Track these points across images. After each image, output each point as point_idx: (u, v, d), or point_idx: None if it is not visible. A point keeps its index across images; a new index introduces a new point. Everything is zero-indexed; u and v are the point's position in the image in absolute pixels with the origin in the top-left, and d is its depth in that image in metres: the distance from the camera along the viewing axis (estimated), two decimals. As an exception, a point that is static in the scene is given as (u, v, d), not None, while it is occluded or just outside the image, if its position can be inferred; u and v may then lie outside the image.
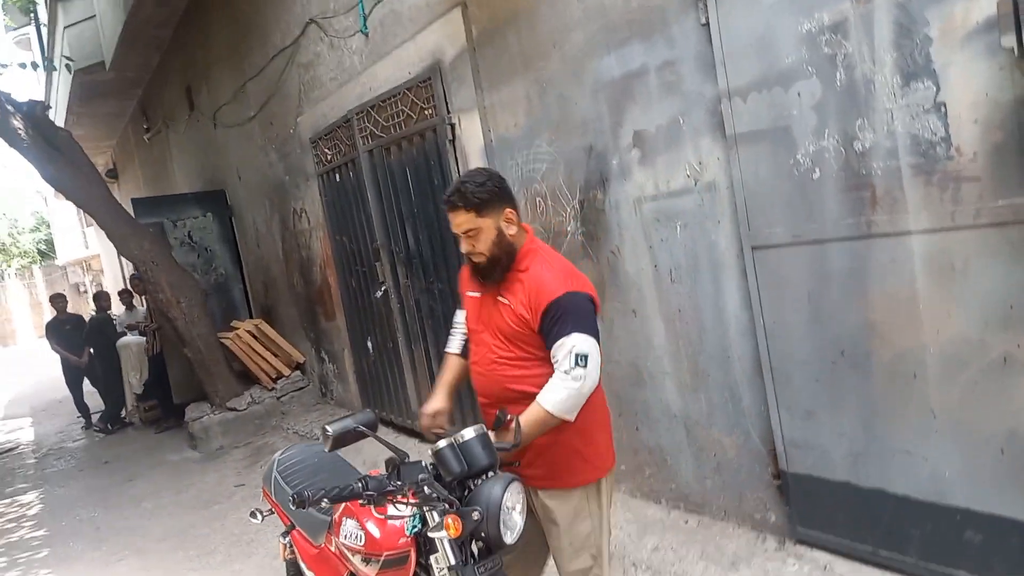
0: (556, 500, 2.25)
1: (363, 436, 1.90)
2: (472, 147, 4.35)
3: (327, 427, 1.89)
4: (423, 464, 1.91)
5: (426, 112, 4.64)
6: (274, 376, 7.59)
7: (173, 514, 5.51)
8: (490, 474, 1.93)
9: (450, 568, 1.84)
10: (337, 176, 5.91)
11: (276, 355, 7.67)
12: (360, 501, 1.84)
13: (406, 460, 1.89)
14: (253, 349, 7.56)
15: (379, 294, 5.53)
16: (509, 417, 2.04)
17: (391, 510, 1.89)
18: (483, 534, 1.84)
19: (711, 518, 3.36)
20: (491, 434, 2.04)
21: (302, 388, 7.65)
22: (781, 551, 2.98)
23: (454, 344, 2.50)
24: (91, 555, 4.96)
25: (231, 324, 8.16)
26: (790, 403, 2.86)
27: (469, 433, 1.94)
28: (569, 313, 2.13)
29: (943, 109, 2.20)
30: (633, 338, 3.55)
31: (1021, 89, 2.01)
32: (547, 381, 2.13)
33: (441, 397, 2.40)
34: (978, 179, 2.16)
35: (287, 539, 2.76)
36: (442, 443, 1.90)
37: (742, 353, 3.04)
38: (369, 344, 6.02)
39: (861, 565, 2.72)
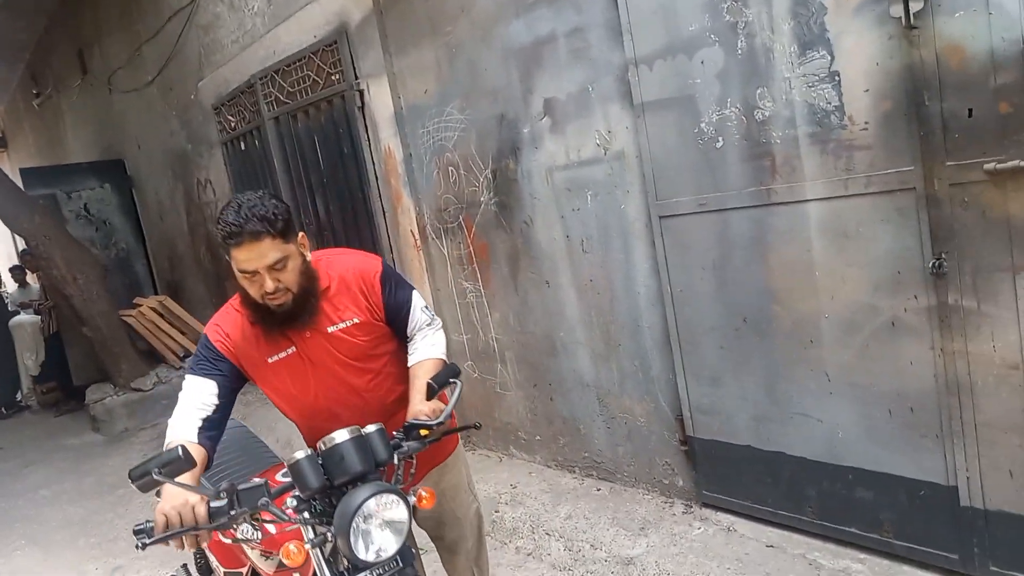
0: (447, 470, 2.22)
1: (160, 484, 1.51)
2: (382, 114, 4.21)
3: (130, 472, 1.53)
4: (265, 484, 1.63)
5: (333, 77, 4.46)
6: (182, 355, 7.26)
7: (74, 501, 5.23)
8: (368, 479, 1.65)
9: None
10: (242, 144, 5.64)
11: (183, 332, 7.34)
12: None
13: (237, 489, 1.61)
14: (158, 327, 7.22)
15: (289, 267, 5.34)
16: (452, 381, 1.88)
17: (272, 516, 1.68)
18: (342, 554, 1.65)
19: (622, 485, 3.41)
20: (416, 408, 1.83)
21: (212, 366, 7.37)
22: (688, 514, 3.05)
23: (190, 428, 1.83)
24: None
25: (134, 301, 7.77)
26: (697, 370, 2.91)
27: (338, 436, 1.63)
28: (396, 276, 2.07)
29: (837, 78, 2.23)
30: (547, 309, 3.54)
31: (908, 58, 2.06)
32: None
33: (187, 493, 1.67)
34: (869, 147, 2.21)
35: None
36: (299, 454, 1.63)
37: (651, 322, 3.07)
38: (281, 319, 5.84)
39: (762, 525, 2.81)
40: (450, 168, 3.89)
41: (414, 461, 1.80)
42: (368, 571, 1.61)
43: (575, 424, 3.58)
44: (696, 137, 2.66)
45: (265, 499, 1.61)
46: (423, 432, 1.77)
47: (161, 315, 7.33)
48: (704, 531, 2.91)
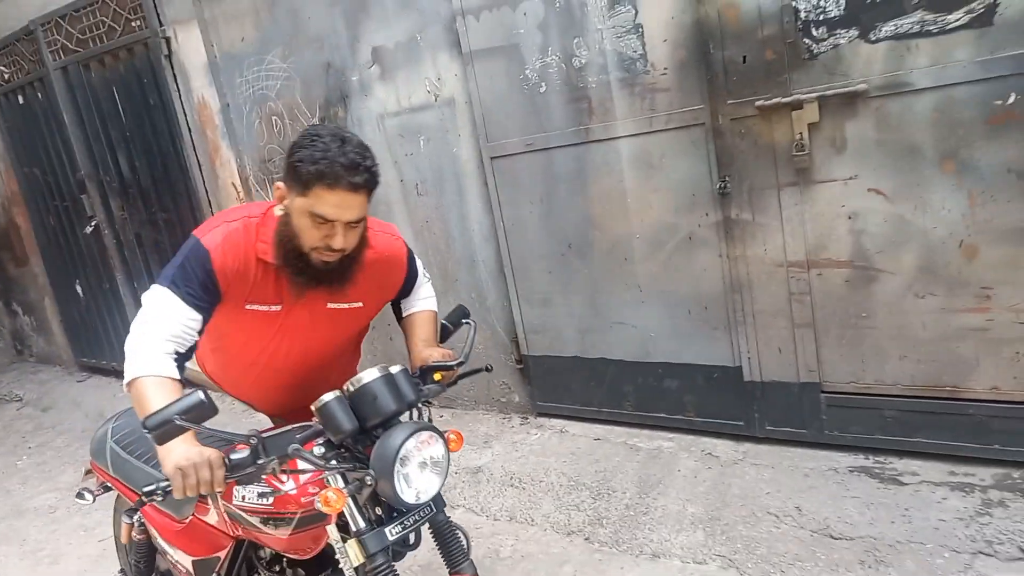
0: None
1: (184, 430, 1.38)
2: (193, 63, 4.08)
3: (145, 420, 1.39)
4: (293, 431, 1.54)
5: (133, 24, 4.24)
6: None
7: None
8: (399, 420, 1.55)
9: (357, 534, 1.52)
10: (20, 97, 5.13)
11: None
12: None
13: (262, 435, 1.48)
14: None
15: (89, 230, 4.98)
16: (465, 321, 1.86)
17: (302, 464, 1.55)
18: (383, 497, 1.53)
19: (463, 409, 3.71)
20: (433, 355, 1.77)
21: (-10, 348, 6.64)
22: (525, 424, 3.42)
23: (167, 363, 1.58)
24: None
25: None
26: (528, 295, 3.26)
27: (367, 376, 1.54)
28: (411, 253, 1.98)
29: (641, 30, 2.63)
30: (382, 251, 3.71)
31: (697, 14, 2.49)
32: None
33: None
34: (668, 90, 2.64)
35: (133, 518, 2.23)
36: (327, 396, 1.52)
37: (486, 256, 3.36)
38: (78, 287, 5.43)
39: (590, 424, 3.25)
40: (274, 117, 3.89)
41: (431, 405, 1.73)
42: (404, 517, 1.54)
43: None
44: (522, 83, 2.96)
45: (295, 445, 1.45)
46: (437, 376, 1.71)
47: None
48: (540, 436, 3.30)
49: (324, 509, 1.43)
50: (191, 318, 1.60)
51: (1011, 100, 2.10)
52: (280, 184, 1.62)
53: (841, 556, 2.25)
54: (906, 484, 2.40)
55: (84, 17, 4.42)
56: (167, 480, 1.44)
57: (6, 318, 6.59)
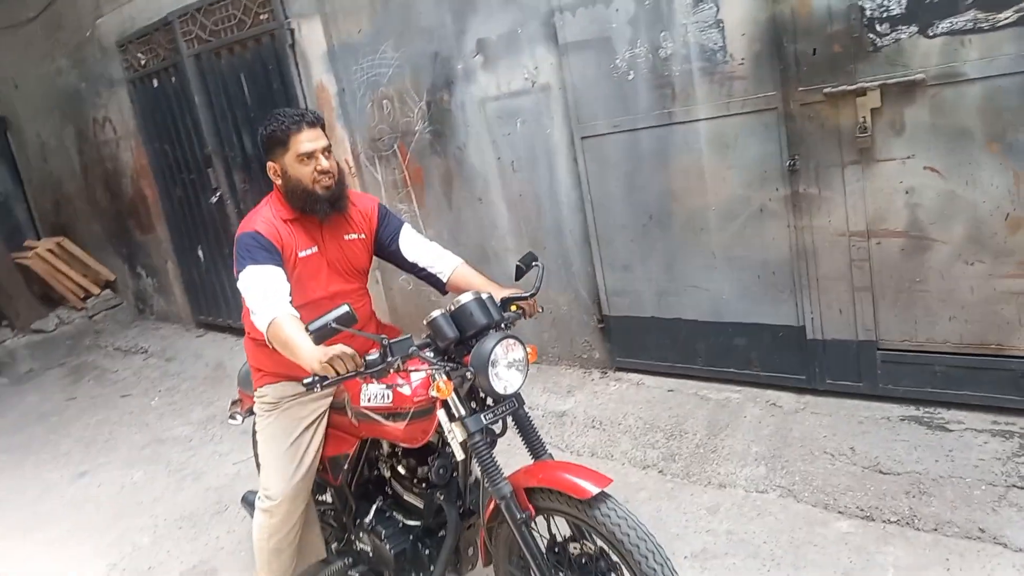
0: None
1: (338, 332, 1.83)
2: (314, 52, 4.59)
3: (308, 326, 1.88)
4: (410, 338, 1.94)
5: (261, 17, 4.76)
6: (83, 296, 7.26)
7: (4, 432, 5.33)
8: (490, 332, 1.96)
9: (459, 418, 1.95)
10: (155, 82, 5.76)
11: (84, 274, 7.31)
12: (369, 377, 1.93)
13: (390, 341, 1.89)
14: (56, 268, 7.14)
15: (214, 200, 5.60)
16: (535, 263, 2.21)
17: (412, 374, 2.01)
18: (480, 389, 1.95)
19: (548, 365, 4.13)
20: (503, 291, 2.18)
21: (116, 306, 7.41)
22: (605, 377, 3.82)
23: (287, 304, 2.08)
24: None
25: (26, 244, 7.58)
26: (611, 261, 3.65)
27: (463, 298, 1.98)
28: (389, 210, 2.49)
29: (721, 25, 2.96)
30: (480, 222, 4.15)
31: (773, 10, 2.82)
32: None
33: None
34: (745, 78, 2.98)
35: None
36: (435, 313, 1.96)
37: (573, 226, 3.76)
38: (200, 252, 6.07)
39: (664, 378, 3.62)
40: (384, 101, 4.37)
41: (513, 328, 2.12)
42: (495, 407, 1.98)
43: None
44: (611, 71, 3.34)
45: (414, 347, 1.89)
46: (513, 307, 2.15)
47: (58, 256, 7.24)
48: (619, 387, 3.69)
49: (436, 394, 1.90)
50: (276, 271, 2.13)
51: (1056, 88, 2.37)
52: (269, 163, 2.25)
53: (888, 487, 2.59)
54: (951, 431, 2.70)
55: (217, 10, 4.98)
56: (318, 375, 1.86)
57: (130, 280, 7.34)
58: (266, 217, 2.25)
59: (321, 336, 1.82)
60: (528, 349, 1.98)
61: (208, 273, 6.07)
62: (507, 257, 4.09)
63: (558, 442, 3.50)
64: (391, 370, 1.89)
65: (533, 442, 2.09)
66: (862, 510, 2.55)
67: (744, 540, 2.59)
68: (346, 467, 2.44)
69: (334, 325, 1.80)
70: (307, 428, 2.37)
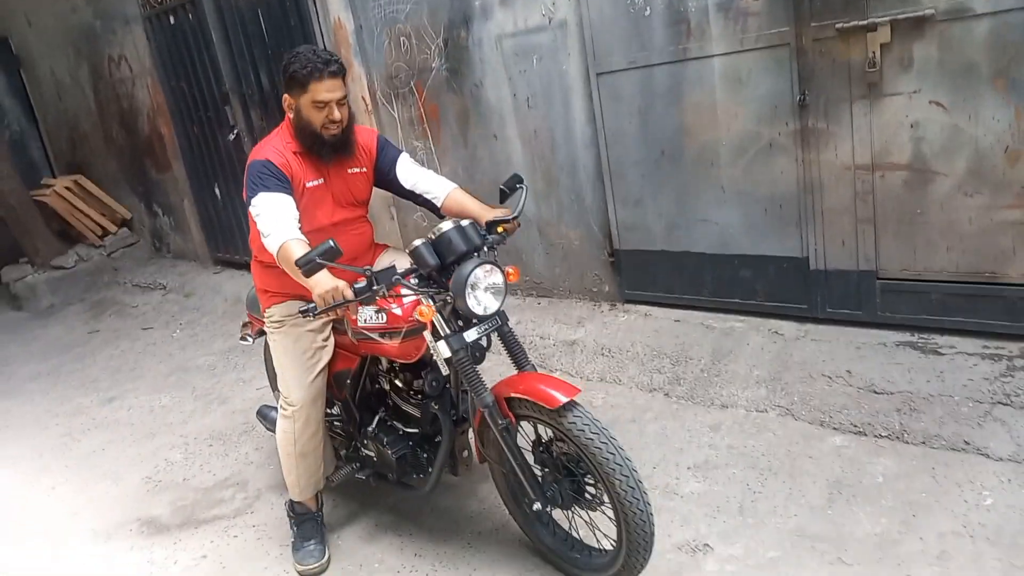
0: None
1: (323, 266, 1.98)
2: (332, -12, 4.63)
3: (296, 260, 2.00)
4: (394, 267, 2.07)
5: (279, -48, 4.79)
6: (100, 233, 7.41)
7: (30, 361, 5.54)
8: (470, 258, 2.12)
9: (445, 337, 2.14)
10: (171, 19, 5.80)
11: (101, 212, 7.45)
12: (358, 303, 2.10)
13: (374, 271, 2.03)
14: (74, 206, 7.27)
15: (231, 137, 5.69)
16: (519, 186, 2.38)
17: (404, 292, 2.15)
18: (459, 310, 2.13)
19: (559, 298, 4.28)
20: (491, 213, 2.36)
21: (132, 244, 7.57)
22: (614, 310, 3.97)
23: (296, 231, 2.24)
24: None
25: (43, 182, 7.70)
26: (624, 196, 3.76)
27: (444, 227, 2.14)
28: (388, 140, 2.66)
29: (739, -39, 3.03)
30: (494, 158, 4.25)
31: (790, -54, 2.88)
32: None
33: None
34: (759, 14, 3.05)
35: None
36: (417, 242, 2.13)
37: (586, 162, 3.87)
38: (217, 190, 6.19)
39: (671, 309, 3.76)
40: (402, 38, 4.43)
41: (497, 251, 2.29)
42: (478, 325, 2.16)
43: (518, 254, 4.37)
44: (628, 7, 3.40)
45: (397, 276, 2.05)
46: (499, 229, 2.31)
47: (75, 194, 7.36)
48: (627, 318, 3.85)
49: (419, 318, 2.09)
50: (286, 199, 2.28)
51: (1060, 24, 2.45)
52: (285, 96, 2.39)
53: (881, 406, 2.75)
54: (944, 354, 2.86)
55: (234, -55, 5.00)
56: (313, 303, 2.06)
57: (147, 218, 7.47)
58: (277, 147, 2.39)
59: (310, 270, 1.97)
60: (508, 271, 2.17)
61: (225, 210, 6.20)
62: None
63: (568, 368, 3.67)
64: (376, 298, 2.07)
65: (517, 355, 2.31)
66: (856, 426, 2.72)
67: (744, 453, 2.77)
68: (349, 382, 2.67)
69: (319, 260, 1.95)
70: (316, 335, 2.58)
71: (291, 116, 2.41)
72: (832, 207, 3.09)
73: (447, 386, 2.41)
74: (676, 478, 2.71)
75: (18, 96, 8.29)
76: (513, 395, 2.15)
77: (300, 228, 2.27)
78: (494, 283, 2.12)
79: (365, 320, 2.36)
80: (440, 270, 2.14)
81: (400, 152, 2.64)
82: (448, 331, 2.15)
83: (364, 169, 2.56)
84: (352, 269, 2.09)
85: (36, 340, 6.06)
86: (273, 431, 2.88)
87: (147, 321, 6.04)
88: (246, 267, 6.19)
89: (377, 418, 2.66)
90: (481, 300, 2.10)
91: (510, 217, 2.34)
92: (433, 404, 2.42)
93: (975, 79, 2.65)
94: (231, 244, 6.31)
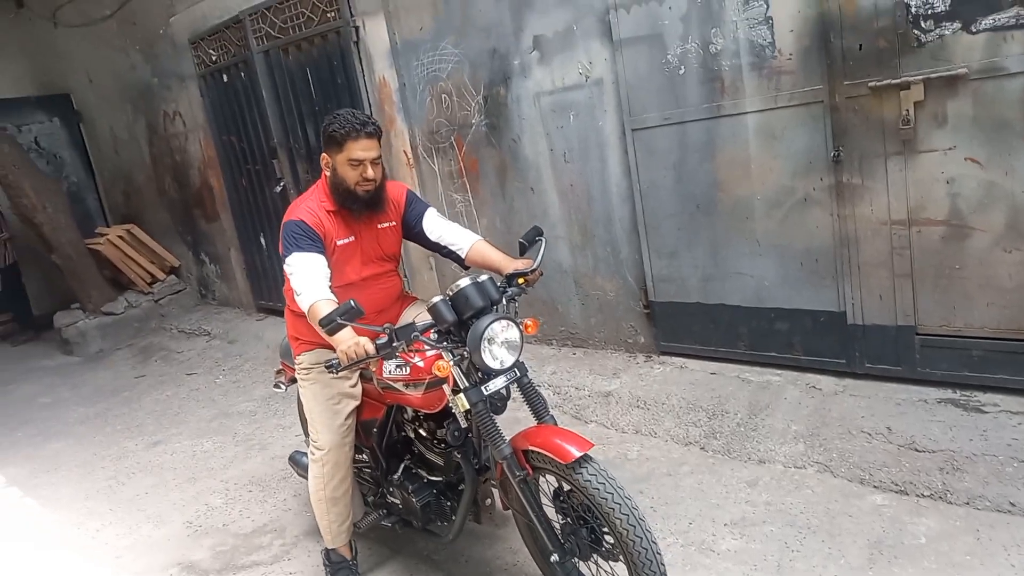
0: None
1: (343, 326, 2.09)
2: (377, 49, 4.84)
3: (320, 320, 2.13)
4: (413, 324, 2.15)
5: (328, 15, 5.03)
6: (149, 280, 7.67)
7: (80, 404, 5.71)
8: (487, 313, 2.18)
9: (463, 389, 2.19)
10: (224, 77, 6.09)
11: (151, 260, 7.72)
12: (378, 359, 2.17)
13: (394, 328, 2.11)
14: (126, 254, 7.55)
15: (278, 190, 5.89)
16: (538, 238, 2.46)
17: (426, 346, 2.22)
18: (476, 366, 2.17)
19: (594, 348, 4.31)
20: (513, 265, 2.43)
21: (180, 291, 7.80)
22: (649, 361, 3.98)
23: (327, 291, 2.35)
24: (13, 438, 5.13)
25: (97, 231, 8.02)
26: (659, 248, 3.81)
27: (461, 283, 2.19)
28: (416, 195, 2.76)
29: (771, 22, 3.11)
30: (531, 211, 4.34)
31: (820, 8, 2.95)
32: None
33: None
34: (792, 73, 3.11)
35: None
36: (435, 298, 2.19)
37: (622, 215, 3.93)
38: (263, 240, 6.39)
39: (707, 361, 3.76)
40: (443, 95, 4.59)
41: (517, 303, 2.37)
42: (495, 377, 2.20)
43: (553, 305, 4.43)
44: (663, 66, 3.50)
45: (416, 332, 2.12)
46: (520, 280, 2.37)
47: (127, 243, 7.65)
48: (663, 370, 3.85)
49: (437, 373, 2.15)
50: (318, 259, 2.40)
51: (1096, 82, 2.47)
52: (324, 154, 2.51)
53: (923, 464, 2.71)
54: (986, 412, 2.81)
55: (286, 8, 5.26)
56: (337, 359, 2.15)
57: (194, 266, 7.72)
58: (311, 207, 2.51)
59: (331, 329, 2.08)
60: (526, 323, 2.25)
61: (269, 259, 6.38)
62: (557, 244, 4.27)
63: (603, 420, 3.67)
64: (396, 354, 2.14)
65: (536, 407, 2.33)
66: (896, 484, 2.68)
67: (782, 510, 2.73)
68: (376, 430, 2.72)
69: (339, 320, 2.05)
70: (344, 382, 2.64)
71: (327, 174, 2.53)
72: (869, 261, 3.09)
73: (469, 435, 2.43)
74: (712, 534, 2.68)
75: (78, 149, 8.71)
76: (528, 448, 2.19)
77: (331, 284, 2.38)
78: (509, 338, 2.18)
79: (390, 372, 2.45)
80: (458, 324, 2.19)
81: (428, 207, 2.74)
82: (467, 384, 2.20)
83: (393, 223, 2.66)
84: (371, 328, 2.14)
85: (85, 384, 6.25)
86: (304, 476, 2.94)
87: (191, 367, 6.20)
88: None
89: (402, 466, 2.71)
90: (496, 354, 2.15)
91: (529, 269, 2.40)
92: (456, 453, 2.45)
93: (1010, 135, 2.66)
94: (274, 292, 6.47)
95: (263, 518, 3.50)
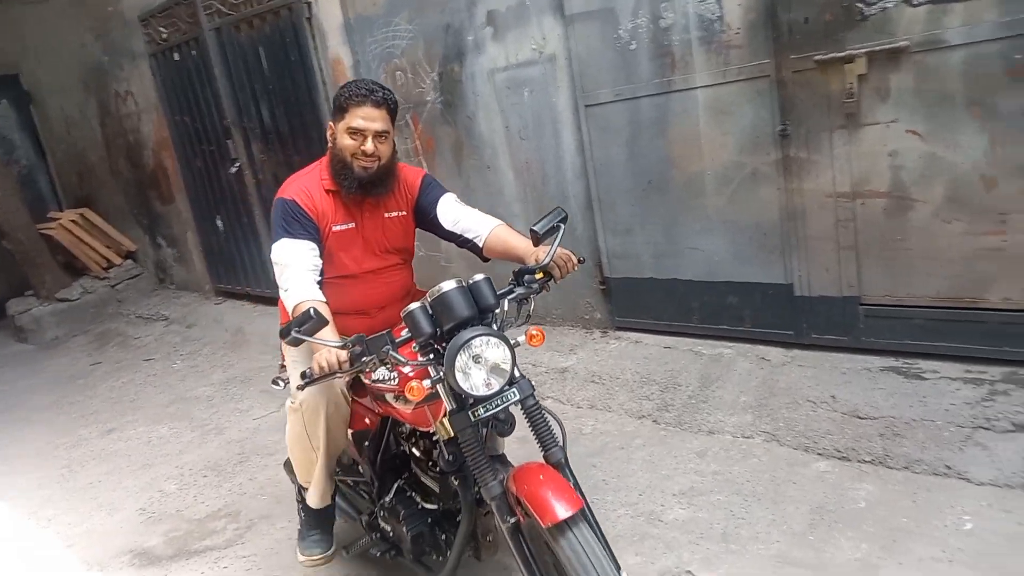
0: None
1: (301, 341, 1.81)
2: (331, 25, 4.76)
3: (280, 333, 1.87)
4: (387, 334, 1.83)
5: (279, -9, 4.93)
6: (105, 265, 7.52)
7: (34, 393, 5.60)
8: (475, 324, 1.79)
9: (447, 414, 1.84)
10: (176, 55, 5.95)
11: (107, 245, 7.56)
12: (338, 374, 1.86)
13: (365, 339, 1.81)
14: (80, 239, 7.39)
15: (233, 170, 5.79)
16: (558, 224, 2.04)
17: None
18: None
19: (551, 325, 4.32)
20: (537, 253, 2.06)
21: (136, 276, 7.66)
22: (605, 337, 4.01)
23: (312, 287, 2.11)
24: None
25: (49, 215, 7.83)
26: (613, 225, 3.82)
27: (443, 287, 1.79)
28: (434, 179, 2.45)
29: (719, -4, 3.11)
30: (488, 189, 4.33)
31: (767, -18, 2.97)
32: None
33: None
34: (740, 47, 3.12)
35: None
36: (413, 305, 1.81)
37: (576, 192, 3.93)
38: (219, 222, 6.29)
39: (661, 336, 3.79)
40: (398, 72, 4.53)
41: (531, 303, 2.01)
42: (487, 402, 1.77)
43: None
44: (615, 41, 3.49)
45: (387, 347, 1.79)
46: (538, 275, 2.00)
47: (81, 227, 7.48)
48: (618, 345, 3.88)
49: (409, 396, 1.76)
50: (310, 248, 2.15)
51: (1029, 54, 2.51)
52: (329, 122, 2.25)
53: (865, 431, 2.77)
54: (927, 379, 2.87)
55: (236, -15, 5.15)
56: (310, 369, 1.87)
57: (151, 250, 7.58)
58: (306, 185, 2.26)
59: (292, 343, 1.82)
60: (531, 332, 1.83)
61: (227, 242, 6.29)
62: (514, 223, 4.21)
63: (560, 396, 3.70)
64: (372, 367, 1.88)
65: (542, 436, 1.86)
66: (839, 451, 2.74)
67: (729, 479, 2.78)
68: (368, 444, 2.42)
69: (295, 333, 1.77)
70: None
71: (330, 144, 2.27)
72: (815, 234, 3.13)
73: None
74: (661, 505, 2.72)
75: (28, 131, 8.47)
76: (517, 494, 1.78)
77: (322, 277, 2.15)
78: (494, 358, 1.75)
79: (377, 379, 2.09)
80: (440, 337, 1.80)
81: (445, 192, 2.41)
82: (452, 406, 1.81)
83: (403, 212, 2.36)
84: (329, 343, 1.84)
85: (41, 372, 6.13)
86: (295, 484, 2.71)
87: (149, 352, 6.11)
88: (247, 298, 6.28)
89: (395, 487, 2.35)
90: (475, 377, 1.73)
91: (539, 265, 2.02)
92: (453, 479, 2.06)
93: (950, 108, 2.70)
94: (232, 275, 6.39)
95: (218, 503, 3.48)
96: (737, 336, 3.50)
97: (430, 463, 2.22)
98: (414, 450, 2.28)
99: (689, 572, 2.34)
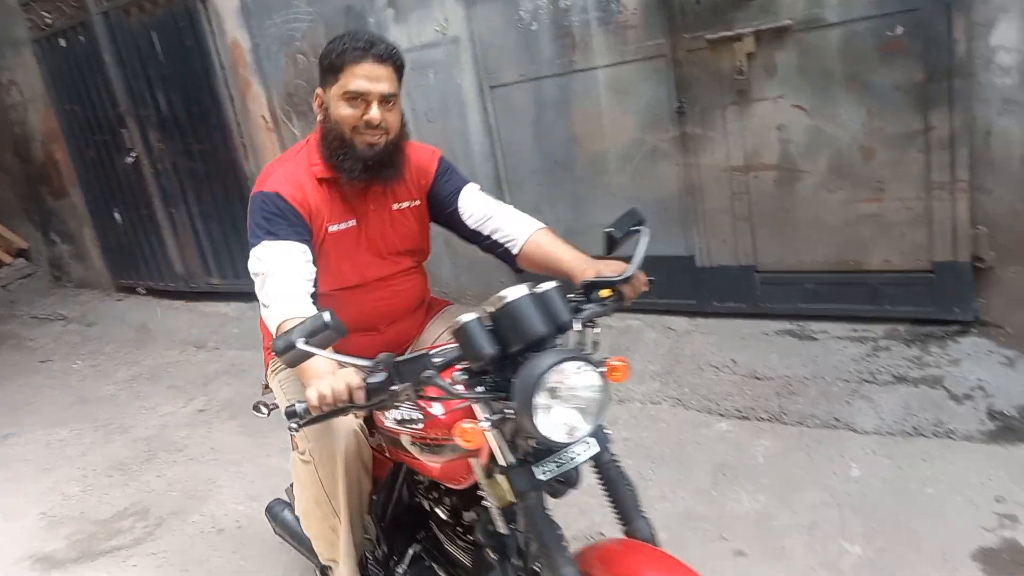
0: None
1: (309, 355, 1.27)
2: (226, 7, 4.61)
3: (273, 343, 1.34)
4: (427, 355, 1.31)
5: (171, -28, 4.74)
6: (-6, 266, 7.08)
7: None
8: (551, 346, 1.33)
9: (505, 470, 1.35)
10: (62, 41, 5.63)
11: (-6, 243, 7.12)
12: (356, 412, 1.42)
13: (396, 360, 1.30)
14: (-36, 238, 6.93)
15: (129, 161, 5.55)
16: (636, 228, 1.65)
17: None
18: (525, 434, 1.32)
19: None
20: (593, 269, 1.61)
21: (30, 275, 7.23)
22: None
23: (304, 299, 1.62)
24: None
25: (-73, 214, 7.30)
26: (522, 205, 3.77)
27: (510, 294, 1.31)
28: (452, 166, 1.99)
29: (615, -23, 3.19)
30: (396, 172, 4.30)
31: (659, -37, 3.06)
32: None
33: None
34: (636, 27, 3.21)
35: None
36: (465, 316, 1.31)
37: (485, 172, 3.96)
38: (117, 215, 6.01)
39: (573, 312, 3.88)
40: (299, 56, 4.44)
41: (597, 327, 1.47)
42: (557, 454, 1.33)
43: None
44: (517, 23, 3.52)
45: (430, 371, 1.28)
46: (603, 293, 1.54)
47: (-35, 226, 7.02)
48: (532, 323, 3.94)
49: (461, 443, 1.29)
50: (301, 251, 1.66)
51: (898, 31, 2.69)
52: (318, 90, 1.76)
53: (762, 391, 2.93)
54: (817, 339, 3.06)
55: (124, -34, 4.92)
56: (303, 401, 1.32)
57: (44, 247, 7.17)
58: (292, 173, 1.75)
59: (291, 360, 1.29)
60: (613, 363, 1.39)
61: (126, 235, 6.01)
62: (425, 206, 4.26)
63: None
64: (394, 403, 1.37)
65: (622, 500, 1.44)
66: (739, 411, 2.89)
67: (638, 444, 2.89)
68: (375, 497, 1.93)
69: (302, 346, 1.26)
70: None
71: (320, 119, 1.77)
72: (712, 207, 3.27)
73: (514, 528, 1.50)
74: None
75: (-102, 125, 7.85)
76: None
77: (315, 290, 1.66)
78: (584, 391, 1.28)
79: (393, 420, 1.60)
80: (502, 361, 1.32)
81: (467, 181, 1.96)
82: (511, 460, 1.33)
83: (416, 202, 1.89)
84: (355, 363, 1.31)
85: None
86: (281, 534, 2.32)
87: (46, 354, 5.79)
88: (151, 293, 6.04)
89: (410, 554, 1.91)
90: (560, 419, 1.26)
91: (622, 276, 1.57)
92: (491, 552, 1.57)
93: (831, 83, 2.87)
94: (133, 270, 6.12)
95: (124, 502, 3.36)
96: (645, 308, 3.62)
97: (459, 528, 1.77)
98: (437, 509, 1.80)
99: (600, 533, 2.42)
